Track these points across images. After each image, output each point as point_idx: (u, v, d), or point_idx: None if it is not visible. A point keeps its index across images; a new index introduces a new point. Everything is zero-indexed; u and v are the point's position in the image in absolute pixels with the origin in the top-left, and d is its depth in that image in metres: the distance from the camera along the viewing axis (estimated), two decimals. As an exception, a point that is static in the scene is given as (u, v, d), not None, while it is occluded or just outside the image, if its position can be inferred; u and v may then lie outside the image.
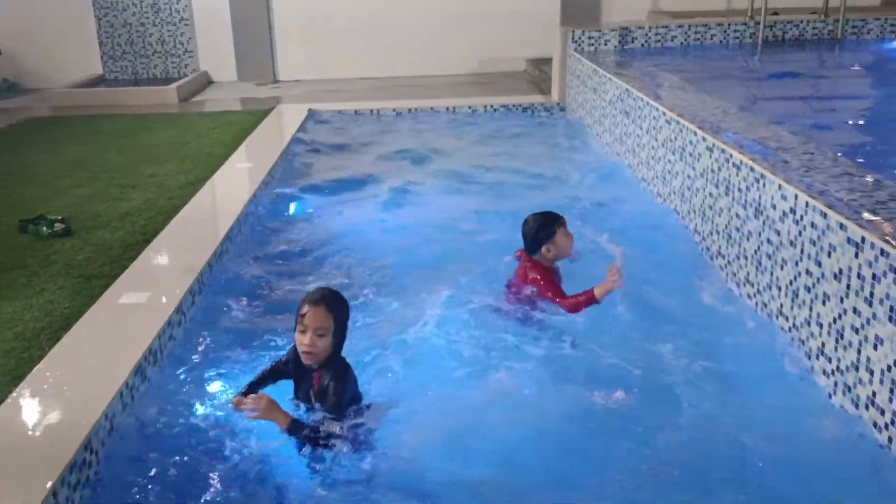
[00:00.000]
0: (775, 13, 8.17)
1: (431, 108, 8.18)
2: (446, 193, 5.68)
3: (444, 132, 7.55)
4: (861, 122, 5.47)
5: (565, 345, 3.48)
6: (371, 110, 8.22)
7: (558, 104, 8.18)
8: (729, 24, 8.10)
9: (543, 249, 3.73)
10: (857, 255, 2.83)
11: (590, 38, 7.85)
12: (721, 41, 8.07)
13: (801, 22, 8.06)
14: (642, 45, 7.96)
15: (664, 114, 4.95)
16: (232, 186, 5.88)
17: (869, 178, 3.37)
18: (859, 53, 7.72)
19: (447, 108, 8.17)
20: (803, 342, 3.23)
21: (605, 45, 7.86)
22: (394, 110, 8.19)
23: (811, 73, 7.20)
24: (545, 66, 9.03)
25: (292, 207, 5.54)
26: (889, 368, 2.65)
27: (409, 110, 8.19)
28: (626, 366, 3.27)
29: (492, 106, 8.18)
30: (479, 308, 3.72)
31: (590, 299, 3.60)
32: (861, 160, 4.06)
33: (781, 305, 3.43)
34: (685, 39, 8.04)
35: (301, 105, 8.55)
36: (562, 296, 3.67)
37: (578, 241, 3.95)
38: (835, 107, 5.83)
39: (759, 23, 7.96)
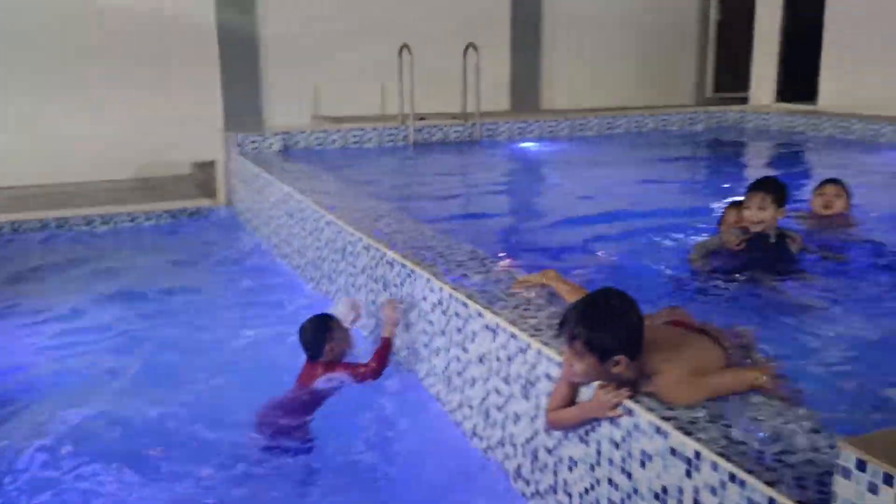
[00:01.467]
0: (422, 118, 8.94)
1: (84, 218, 7.55)
2: (107, 318, 5.13)
3: (101, 246, 7.03)
4: (497, 213, 6.11)
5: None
6: (10, 223, 7.29)
7: (225, 207, 8.09)
8: (383, 128, 8.71)
9: (326, 349, 3.86)
10: (493, 340, 3.10)
11: (253, 141, 7.95)
12: (377, 144, 8.62)
13: (445, 125, 8.91)
14: (305, 147, 8.24)
15: (324, 216, 5.12)
16: None
17: (504, 267, 3.75)
18: (494, 153, 8.69)
19: (103, 217, 7.62)
20: (459, 424, 3.44)
21: (269, 147, 8.00)
22: (40, 222, 7.38)
23: (455, 171, 7.96)
24: (211, 168, 8.93)
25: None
26: (528, 441, 2.91)
27: (57, 222, 7.44)
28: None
29: (154, 213, 7.83)
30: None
31: (386, 345, 3.80)
32: (497, 250, 4.52)
33: (439, 391, 3.64)
34: (345, 142, 8.48)
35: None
36: (362, 366, 3.79)
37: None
38: (475, 201, 6.47)
39: (409, 126, 8.64)
